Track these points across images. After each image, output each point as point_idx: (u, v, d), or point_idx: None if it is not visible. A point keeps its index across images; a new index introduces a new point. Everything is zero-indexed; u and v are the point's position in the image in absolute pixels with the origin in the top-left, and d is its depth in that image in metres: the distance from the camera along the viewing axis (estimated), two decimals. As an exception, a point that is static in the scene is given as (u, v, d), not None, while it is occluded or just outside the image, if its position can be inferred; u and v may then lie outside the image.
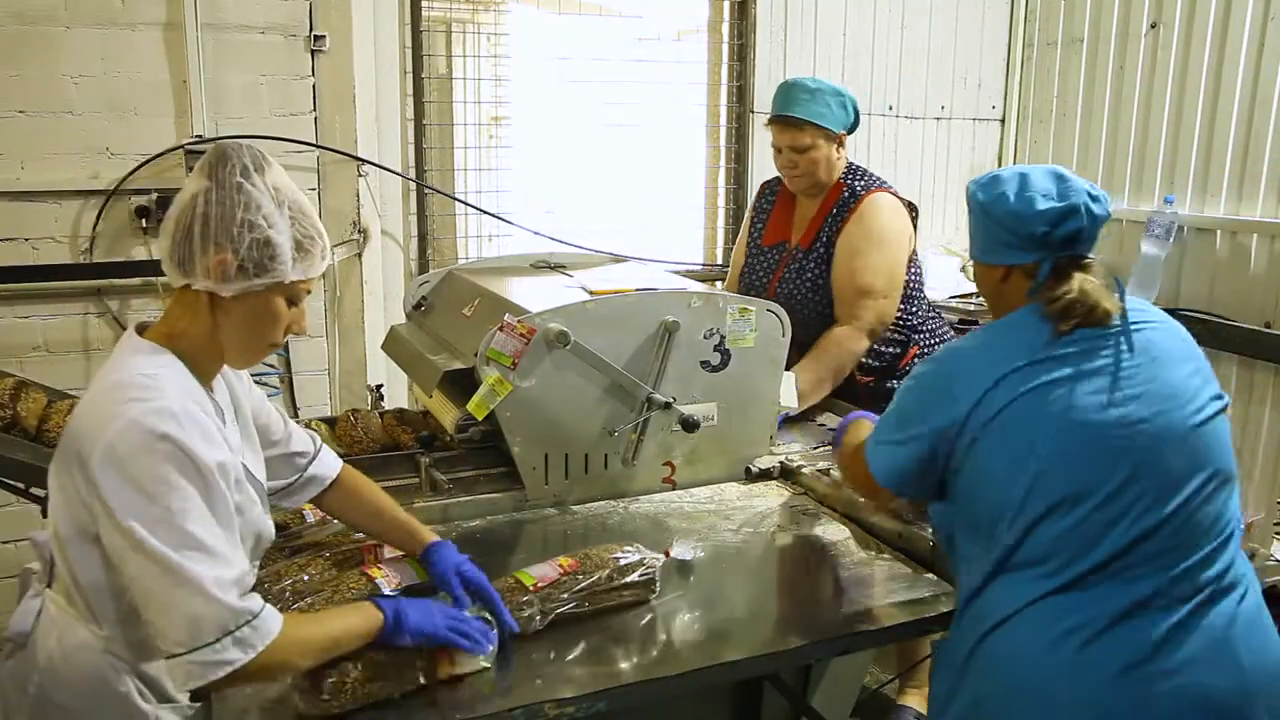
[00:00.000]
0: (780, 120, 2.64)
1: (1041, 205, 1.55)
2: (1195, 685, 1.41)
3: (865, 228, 2.65)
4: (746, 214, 3.01)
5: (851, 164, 2.75)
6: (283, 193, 1.41)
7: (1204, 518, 1.47)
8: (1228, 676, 1.42)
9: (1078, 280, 1.54)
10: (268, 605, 1.32)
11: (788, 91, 2.64)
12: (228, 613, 1.27)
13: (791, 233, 2.81)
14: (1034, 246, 1.57)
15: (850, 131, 2.69)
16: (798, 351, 2.59)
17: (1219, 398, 1.56)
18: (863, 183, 2.71)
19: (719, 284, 4.14)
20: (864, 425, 1.93)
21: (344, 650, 1.38)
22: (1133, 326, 1.53)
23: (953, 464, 1.57)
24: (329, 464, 1.75)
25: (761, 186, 2.98)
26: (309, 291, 1.47)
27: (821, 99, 2.61)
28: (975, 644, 1.52)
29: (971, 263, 1.73)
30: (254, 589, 1.58)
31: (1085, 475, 1.46)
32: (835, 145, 2.65)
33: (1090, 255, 1.60)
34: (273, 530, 1.56)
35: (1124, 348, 1.52)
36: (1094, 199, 1.58)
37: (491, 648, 1.49)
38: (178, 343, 1.41)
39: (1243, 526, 1.59)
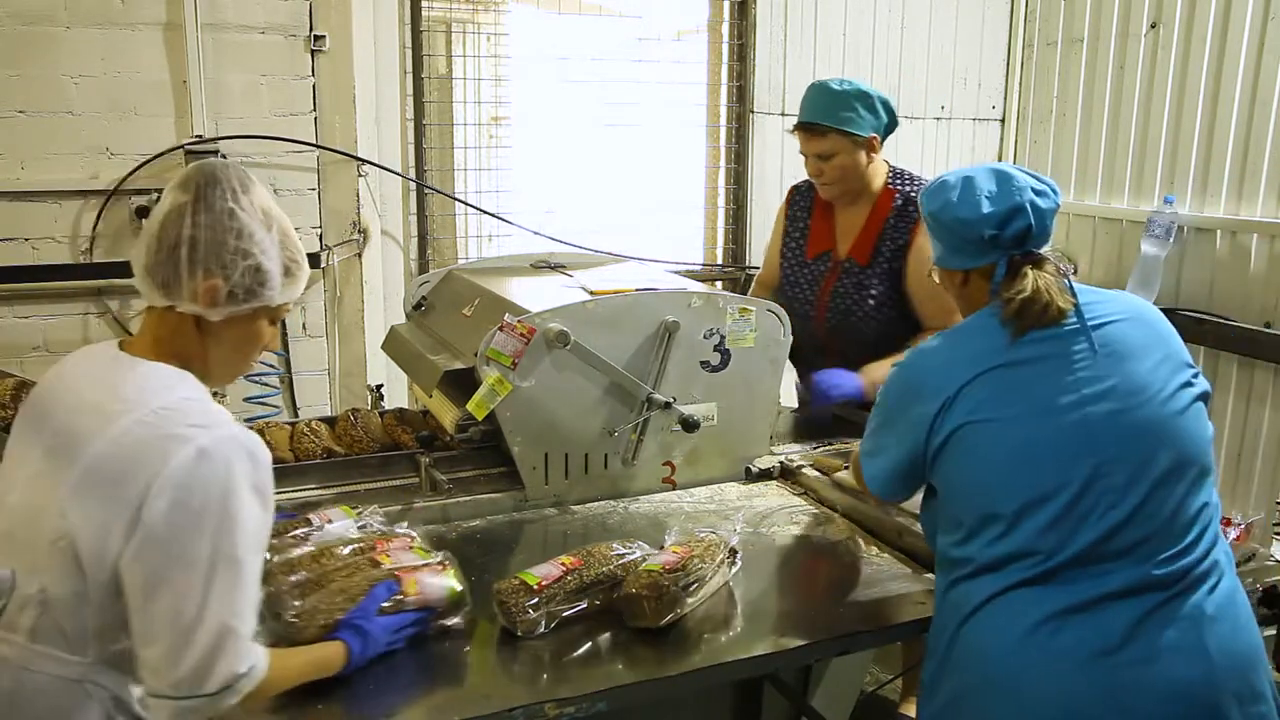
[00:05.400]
0: (802, 128, 2.51)
1: (986, 208, 1.56)
2: (1164, 675, 1.42)
3: None
4: (778, 221, 2.82)
5: (894, 168, 2.59)
6: (271, 216, 1.39)
7: (1177, 509, 1.47)
8: (1196, 666, 1.43)
9: (1031, 279, 1.54)
10: (260, 651, 1.30)
11: (810, 96, 2.50)
12: (239, 673, 1.25)
13: (836, 243, 2.64)
14: (986, 249, 1.59)
15: (887, 133, 2.54)
16: (847, 367, 2.49)
17: (1189, 385, 1.55)
18: (914, 187, 2.56)
19: (719, 284, 4.15)
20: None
21: (305, 681, 1.41)
22: (1092, 321, 1.53)
23: (930, 468, 1.60)
24: None
25: (791, 191, 2.80)
26: (288, 311, 1.48)
27: (845, 101, 2.46)
28: (953, 633, 1.54)
29: (934, 269, 1.72)
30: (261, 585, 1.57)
31: (1051, 476, 1.47)
32: (864, 150, 2.49)
33: (1042, 251, 1.60)
34: None
35: (1081, 346, 1.52)
36: (1039, 193, 1.58)
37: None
38: (183, 366, 1.38)
39: (1220, 516, 1.57)
